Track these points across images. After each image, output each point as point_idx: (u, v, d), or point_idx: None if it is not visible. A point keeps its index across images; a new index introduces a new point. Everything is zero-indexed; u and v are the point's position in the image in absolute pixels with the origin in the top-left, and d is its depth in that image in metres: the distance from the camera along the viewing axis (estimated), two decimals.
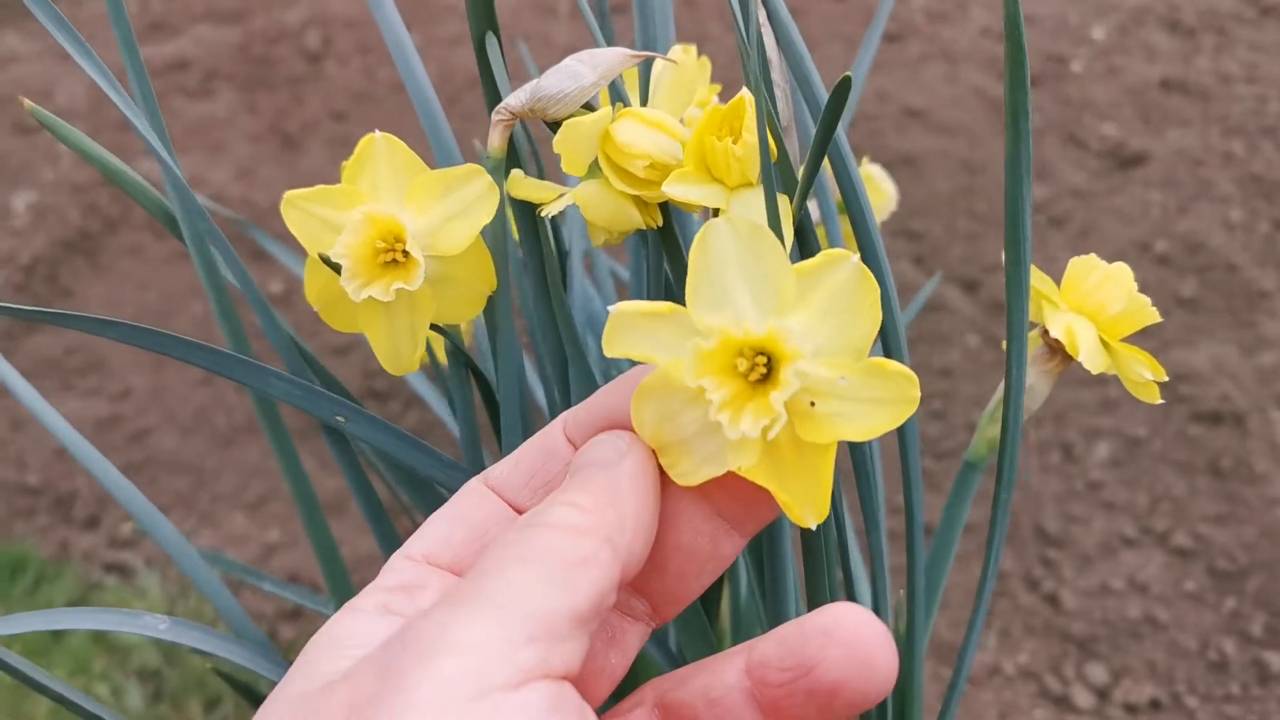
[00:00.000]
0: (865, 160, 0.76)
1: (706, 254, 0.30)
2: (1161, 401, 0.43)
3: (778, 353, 0.29)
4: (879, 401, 0.29)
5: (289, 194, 0.40)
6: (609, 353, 0.31)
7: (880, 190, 0.74)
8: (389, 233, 0.40)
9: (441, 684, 0.25)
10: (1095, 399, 1.32)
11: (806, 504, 0.30)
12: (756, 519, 0.33)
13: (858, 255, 0.29)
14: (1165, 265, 1.48)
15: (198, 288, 1.48)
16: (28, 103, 0.44)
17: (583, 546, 0.29)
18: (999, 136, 1.67)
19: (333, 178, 1.61)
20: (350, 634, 0.29)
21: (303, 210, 0.41)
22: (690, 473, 0.31)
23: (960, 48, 1.81)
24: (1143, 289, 0.44)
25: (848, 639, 0.28)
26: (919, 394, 0.29)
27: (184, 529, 1.26)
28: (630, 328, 0.30)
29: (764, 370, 0.30)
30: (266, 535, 1.26)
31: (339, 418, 0.43)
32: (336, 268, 0.40)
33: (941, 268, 1.48)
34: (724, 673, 0.31)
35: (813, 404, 0.29)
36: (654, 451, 0.32)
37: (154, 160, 1.63)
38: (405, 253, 0.40)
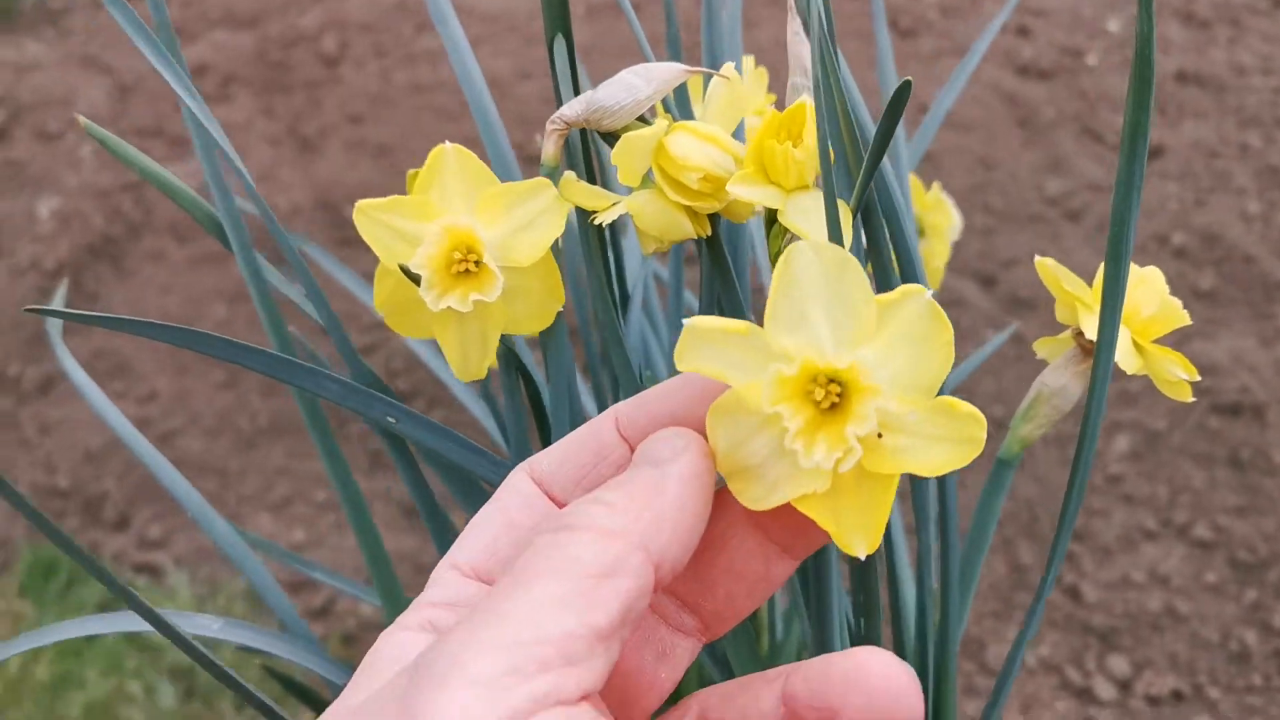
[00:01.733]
0: (936, 186, 0.77)
1: (790, 276, 0.29)
2: (1193, 400, 0.44)
3: (855, 385, 0.29)
4: (945, 440, 0.29)
5: (361, 203, 0.41)
6: (681, 366, 0.30)
7: (948, 213, 0.75)
8: (464, 244, 0.41)
9: (459, 716, 0.25)
10: (1115, 392, 1.33)
11: (859, 533, 0.30)
12: (807, 544, 0.33)
13: (931, 291, 0.29)
14: (1183, 258, 1.48)
15: (220, 291, 1.50)
16: (82, 119, 0.45)
17: (610, 552, 0.28)
18: (1013, 131, 1.67)
19: (351, 181, 1.62)
20: (393, 656, 0.29)
21: (374, 220, 0.42)
22: (762, 498, 0.30)
23: (973, 41, 1.81)
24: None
25: (870, 687, 0.28)
26: (985, 436, 0.29)
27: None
28: (704, 343, 0.30)
29: (835, 399, 0.30)
30: (292, 535, 1.28)
31: (390, 419, 0.44)
32: (415, 278, 0.41)
33: (957, 263, 1.49)
34: (763, 697, 0.31)
35: (880, 436, 0.29)
36: (712, 456, 0.31)
37: (182, 165, 1.63)
38: (478, 263, 0.41)
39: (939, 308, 0.29)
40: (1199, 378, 0.43)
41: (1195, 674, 1.13)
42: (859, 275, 0.29)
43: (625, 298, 0.53)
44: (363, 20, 1.89)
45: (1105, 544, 1.23)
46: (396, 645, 0.30)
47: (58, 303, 0.65)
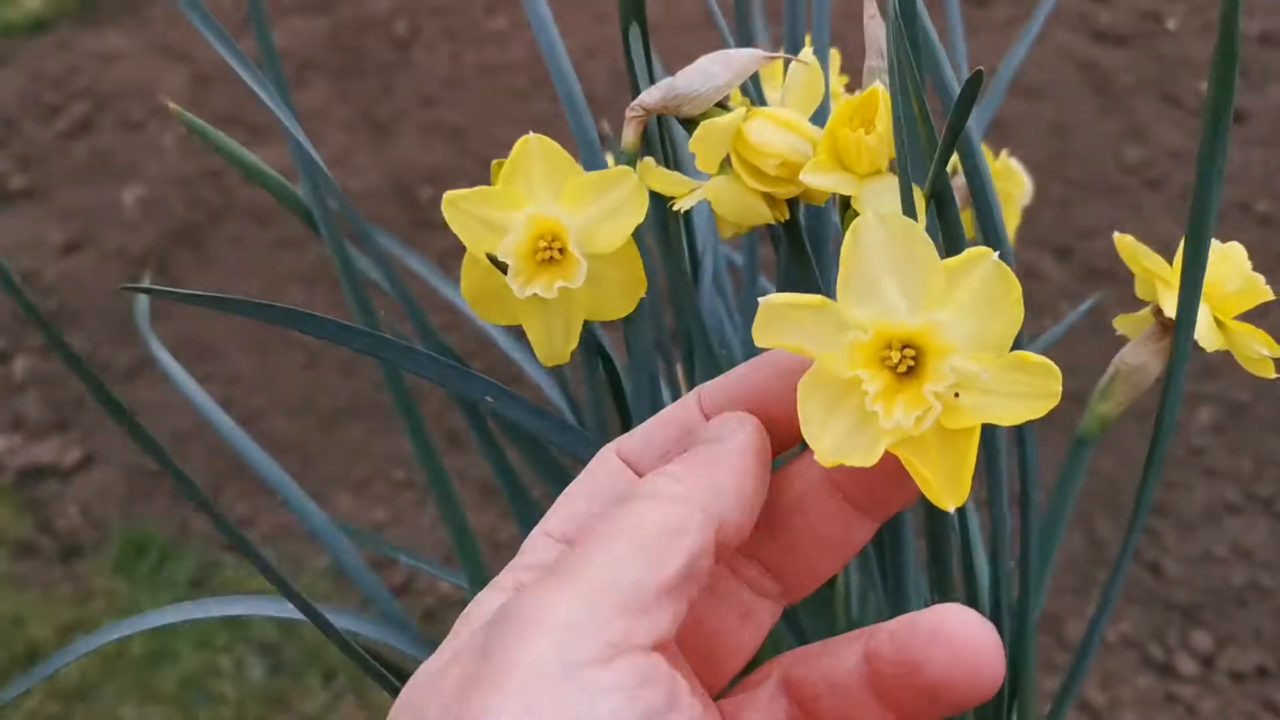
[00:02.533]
0: (1004, 153, 0.77)
1: (859, 249, 0.30)
2: (1276, 376, 0.44)
3: (929, 346, 0.30)
4: (1021, 395, 0.30)
5: (449, 194, 0.42)
6: (759, 343, 0.31)
7: (1019, 180, 0.75)
8: (549, 232, 0.42)
9: (534, 663, 0.26)
10: (1196, 365, 1.30)
11: (947, 486, 0.31)
12: (885, 507, 0.34)
13: (998, 253, 0.30)
14: (1267, 225, 1.45)
15: (297, 274, 1.53)
16: (174, 106, 0.47)
17: (673, 515, 0.30)
18: (1089, 98, 1.64)
19: (425, 163, 1.64)
20: (483, 614, 0.31)
21: (462, 210, 0.43)
22: (866, 457, 0.31)
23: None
24: (1246, 249, 0.44)
25: (952, 642, 0.29)
26: (1060, 388, 0.30)
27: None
28: (780, 319, 0.31)
29: (910, 363, 0.30)
30: (372, 514, 1.31)
31: (489, 398, 0.45)
32: (503, 266, 0.42)
33: (1033, 235, 1.47)
34: (845, 657, 0.31)
35: (957, 395, 0.30)
36: (766, 433, 0.33)
37: (261, 151, 1.68)
38: (562, 250, 0.42)
39: (1007, 268, 0.30)
40: None
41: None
42: (925, 243, 0.30)
43: (697, 280, 0.54)
44: (433, 3, 1.90)
45: (1187, 518, 1.22)
46: (487, 606, 0.31)
47: (143, 296, 0.67)
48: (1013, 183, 0.72)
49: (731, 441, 0.32)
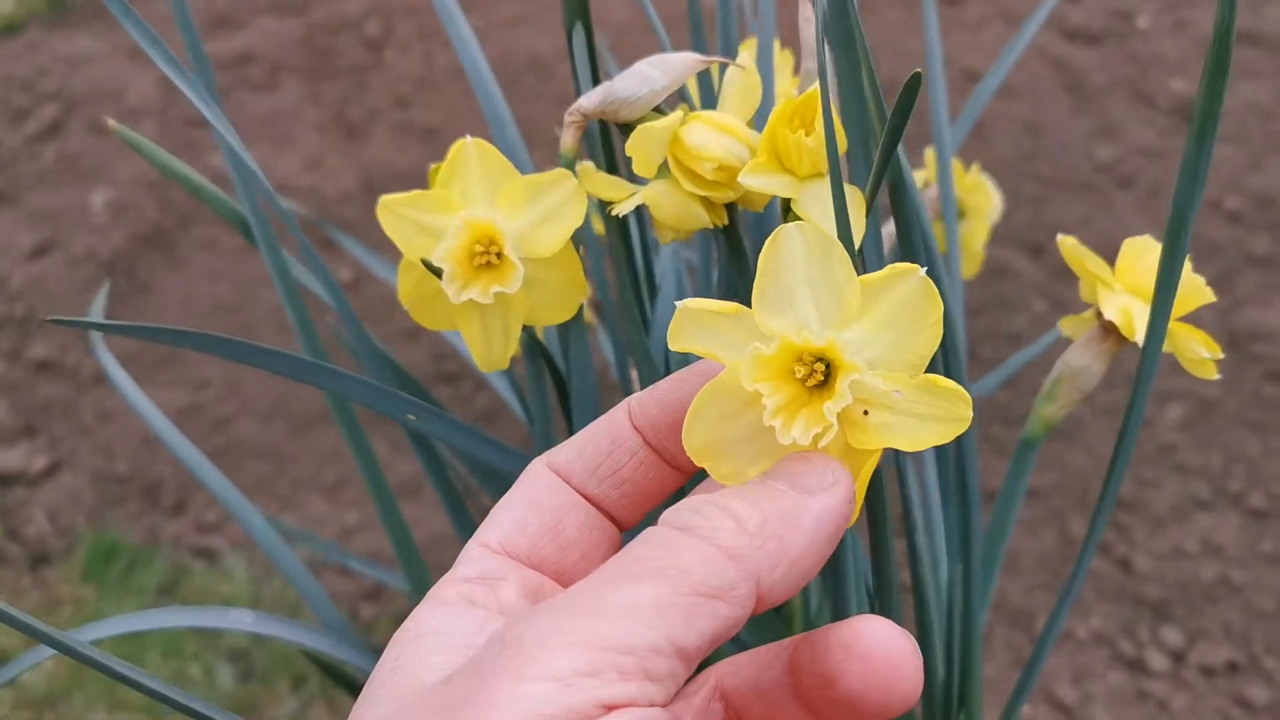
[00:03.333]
0: (975, 168, 0.77)
1: (776, 258, 0.30)
2: (1240, 355, 0.44)
3: (836, 362, 0.30)
4: (930, 418, 0.29)
5: (384, 198, 0.41)
6: (674, 346, 0.31)
7: (988, 195, 0.75)
8: (485, 237, 0.42)
9: (526, 706, 0.25)
10: (1166, 361, 1.30)
11: None
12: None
13: (925, 269, 0.30)
14: (1237, 222, 1.45)
15: (267, 278, 1.52)
16: (112, 123, 0.46)
17: (724, 575, 0.27)
18: (1061, 97, 1.65)
19: (398, 165, 1.64)
20: (436, 628, 0.30)
21: (397, 214, 0.42)
22: (736, 474, 0.31)
23: (1021, 8, 1.78)
24: (1214, 247, 0.44)
25: (866, 655, 0.28)
26: (970, 414, 0.29)
27: (266, 513, 1.30)
28: (697, 324, 0.31)
29: (822, 377, 0.30)
30: (344, 518, 1.30)
31: (410, 416, 0.45)
32: (437, 271, 0.41)
33: (1006, 232, 1.47)
34: (771, 667, 0.31)
35: (865, 413, 0.30)
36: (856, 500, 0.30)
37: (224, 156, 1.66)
38: (499, 255, 0.42)
39: (933, 285, 0.29)
40: (1222, 355, 0.42)
41: (1250, 644, 1.11)
42: (843, 256, 0.30)
43: (653, 289, 0.54)
44: (406, 4, 1.90)
45: (1157, 514, 1.22)
46: (438, 621, 0.30)
47: (101, 299, 0.66)
48: (981, 196, 0.72)
49: (819, 500, 0.29)
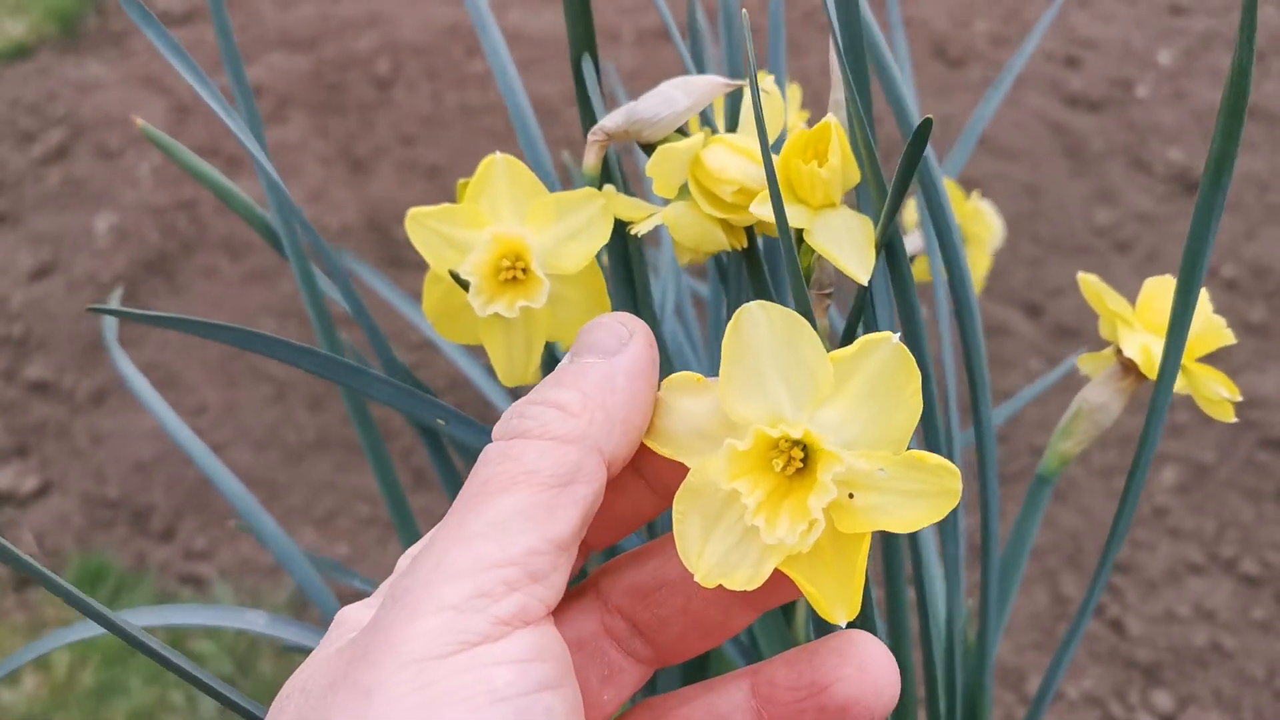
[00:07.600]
0: (975, 194, 0.77)
1: (740, 341, 0.28)
2: (1235, 420, 0.44)
3: (815, 449, 0.28)
4: (919, 495, 0.28)
5: (414, 211, 0.42)
6: (656, 449, 0.30)
7: (987, 223, 0.75)
8: (513, 252, 0.42)
9: (425, 640, 0.25)
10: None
11: (838, 601, 0.29)
12: (767, 603, 0.32)
13: (898, 336, 0.28)
14: (1233, 290, 1.47)
15: (269, 307, 1.52)
16: (140, 121, 0.47)
17: (567, 460, 0.28)
18: (1060, 160, 1.67)
19: (402, 201, 1.64)
20: (355, 619, 0.30)
21: (426, 227, 0.43)
22: (751, 580, 0.29)
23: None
24: (1206, 293, 0.44)
25: (861, 659, 0.29)
26: (960, 486, 0.28)
27: (258, 538, 1.29)
28: (667, 410, 0.29)
29: (800, 464, 0.28)
30: (335, 549, 1.29)
31: (439, 420, 0.45)
32: (465, 284, 0.42)
33: (1003, 292, 1.48)
34: (730, 693, 0.31)
35: (851, 496, 0.28)
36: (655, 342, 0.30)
37: (238, 184, 1.68)
38: (525, 270, 0.42)
39: (907, 353, 0.28)
40: (1240, 397, 0.42)
41: (1240, 710, 1.11)
42: (810, 334, 0.28)
43: (653, 318, 0.54)
44: (415, 44, 1.92)
45: (1150, 577, 1.22)
46: (366, 608, 0.30)
47: (114, 301, 0.66)
48: (981, 225, 0.73)
49: (623, 358, 0.29)
